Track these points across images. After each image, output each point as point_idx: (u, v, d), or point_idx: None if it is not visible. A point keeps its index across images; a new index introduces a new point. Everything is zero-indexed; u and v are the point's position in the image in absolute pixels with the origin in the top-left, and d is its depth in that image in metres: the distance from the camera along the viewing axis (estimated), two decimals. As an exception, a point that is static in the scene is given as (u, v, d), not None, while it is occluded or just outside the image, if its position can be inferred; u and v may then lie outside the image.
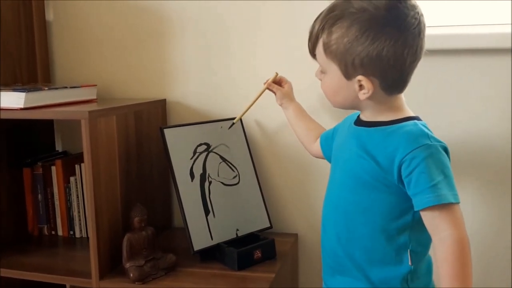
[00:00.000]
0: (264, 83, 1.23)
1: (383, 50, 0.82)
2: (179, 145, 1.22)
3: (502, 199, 1.24)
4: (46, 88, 1.22)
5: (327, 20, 0.86)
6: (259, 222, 1.29)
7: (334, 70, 0.88)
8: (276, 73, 1.23)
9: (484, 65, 1.21)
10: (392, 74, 0.85)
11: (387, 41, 0.81)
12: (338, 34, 0.85)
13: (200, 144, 1.26)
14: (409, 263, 0.87)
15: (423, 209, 0.81)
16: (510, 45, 1.15)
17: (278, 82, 1.23)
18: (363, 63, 0.83)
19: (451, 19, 1.26)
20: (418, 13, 0.84)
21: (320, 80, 0.94)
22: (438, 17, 1.26)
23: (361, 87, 0.86)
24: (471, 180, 1.25)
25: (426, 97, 1.24)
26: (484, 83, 1.21)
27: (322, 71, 0.92)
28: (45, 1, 1.49)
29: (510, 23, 1.21)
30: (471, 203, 1.26)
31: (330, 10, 0.87)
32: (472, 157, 1.24)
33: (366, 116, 0.93)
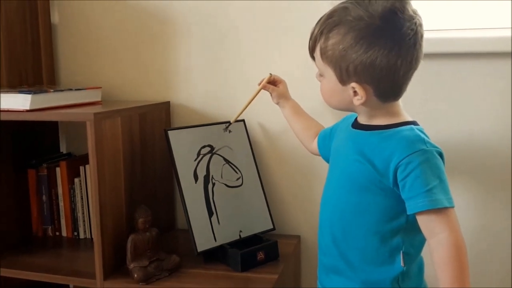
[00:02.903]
0: (259, 84, 1.24)
1: (377, 60, 0.83)
2: (183, 147, 1.23)
3: (501, 201, 1.24)
4: (52, 90, 1.23)
5: (326, 26, 0.88)
6: (262, 224, 1.30)
7: (330, 75, 0.90)
8: (270, 73, 1.24)
9: (485, 69, 1.21)
10: (385, 83, 0.86)
11: (380, 50, 0.82)
12: (334, 40, 0.86)
13: (204, 146, 1.27)
14: (402, 264, 0.89)
15: (419, 213, 0.83)
16: (510, 49, 1.16)
17: (272, 82, 1.24)
18: (357, 70, 0.85)
19: (451, 23, 1.27)
20: (415, 23, 0.84)
21: (320, 82, 0.96)
22: (439, 21, 1.26)
23: (355, 93, 0.88)
24: (471, 183, 1.26)
25: (426, 101, 1.24)
26: (485, 86, 1.22)
27: (320, 74, 0.94)
28: (50, 4, 1.50)
29: (510, 27, 1.22)
30: (472, 204, 1.26)
31: (329, 15, 0.88)
32: (472, 160, 1.25)
33: (362, 120, 0.94)
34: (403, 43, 0.83)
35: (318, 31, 0.89)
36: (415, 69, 0.87)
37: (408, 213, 0.84)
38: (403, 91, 0.89)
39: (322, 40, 0.88)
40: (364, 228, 0.90)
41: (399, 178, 0.84)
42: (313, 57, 0.94)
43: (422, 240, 0.89)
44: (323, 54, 0.89)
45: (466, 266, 0.80)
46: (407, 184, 0.83)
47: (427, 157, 0.82)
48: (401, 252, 0.89)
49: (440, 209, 0.81)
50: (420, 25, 0.85)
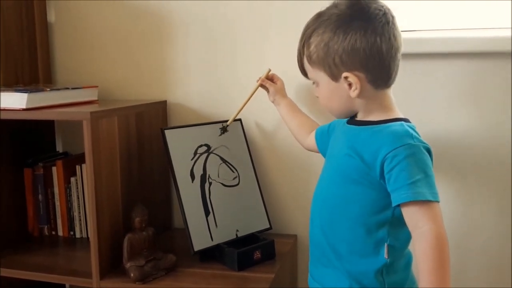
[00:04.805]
0: (257, 80, 1.25)
1: (356, 43, 0.87)
2: (180, 146, 1.23)
3: (498, 200, 1.25)
4: (48, 89, 1.23)
5: (306, 36, 0.94)
6: (258, 223, 1.30)
7: (322, 77, 0.93)
8: (269, 69, 1.24)
9: (485, 69, 1.21)
10: (373, 64, 0.88)
11: (357, 33, 0.87)
12: (315, 42, 0.92)
13: (201, 145, 1.26)
14: (385, 256, 0.90)
15: (404, 205, 0.84)
16: (510, 49, 1.16)
17: (270, 78, 1.27)
18: (343, 59, 0.88)
19: (452, 22, 1.27)
20: (382, 6, 0.90)
21: (318, 97, 0.99)
22: (439, 20, 1.26)
23: (350, 85, 0.90)
24: (468, 182, 1.26)
25: (426, 101, 1.24)
26: (485, 86, 1.22)
27: (316, 85, 0.97)
28: (46, 2, 1.50)
29: (511, 27, 1.22)
30: (469, 203, 1.27)
31: (306, 27, 0.95)
32: (469, 159, 1.25)
33: (359, 116, 0.96)
34: (375, 21, 0.88)
35: (300, 44, 0.96)
36: (397, 48, 0.90)
37: (392, 205, 0.85)
38: (392, 74, 0.91)
39: (305, 50, 0.94)
40: (351, 219, 0.92)
41: (385, 171, 0.85)
42: (304, 73, 0.98)
43: (408, 234, 0.89)
44: (310, 60, 0.94)
45: (446, 260, 0.80)
46: (392, 177, 0.84)
47: (413, 151, 0.84)
48: (386, 244, 0.90)
49: (424, 203, 0.82)
50: (388, 8, 0.91)
